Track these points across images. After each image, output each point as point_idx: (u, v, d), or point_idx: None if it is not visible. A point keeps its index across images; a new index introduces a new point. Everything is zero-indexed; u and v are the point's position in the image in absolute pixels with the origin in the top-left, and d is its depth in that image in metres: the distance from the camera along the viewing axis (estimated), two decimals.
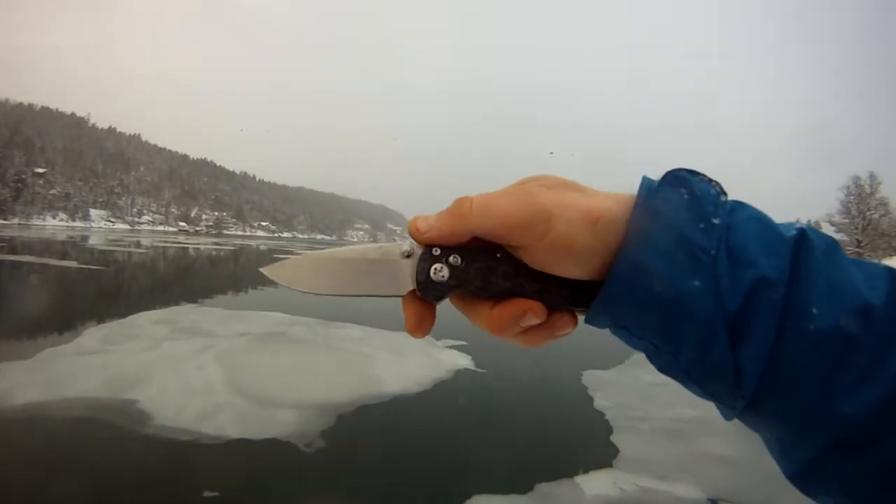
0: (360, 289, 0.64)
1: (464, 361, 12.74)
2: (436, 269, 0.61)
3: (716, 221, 0.53)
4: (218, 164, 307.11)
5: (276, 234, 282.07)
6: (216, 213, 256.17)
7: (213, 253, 68.26)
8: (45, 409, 8.48)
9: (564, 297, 0.60)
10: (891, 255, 54.95)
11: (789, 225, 0.57)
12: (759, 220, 0.56)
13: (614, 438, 8.90)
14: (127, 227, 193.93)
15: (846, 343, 0.50)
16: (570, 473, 7.48)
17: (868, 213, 60.86)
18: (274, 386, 10.40)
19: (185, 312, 18.27)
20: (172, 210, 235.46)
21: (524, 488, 7.00)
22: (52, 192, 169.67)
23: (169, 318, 16.46)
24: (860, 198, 61.71)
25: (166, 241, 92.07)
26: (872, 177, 62.10)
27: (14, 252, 44.89)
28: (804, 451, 0.53)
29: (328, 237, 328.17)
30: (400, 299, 0.64)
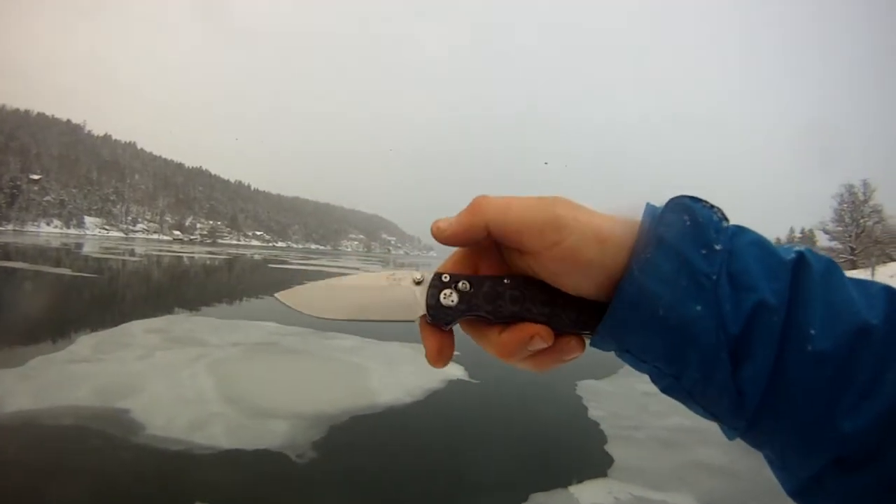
0: (372, 314, 0.66)
1: (457, 372, 12.69)
2: (445, 294, 0.63)
3: (717, 247, 0.55)
4: (213, 172, 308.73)
5: (270, 244, 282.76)
6: (211, 222, 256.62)
7: (208, 262, 68.05)
8: (36, 417, 8.40)
9: (571, 321, 0.61)
10: (885, 263, 55.14)
11: (789, 248, 0.58)
12: (760, 245, 0.57)
13: (609, 448, 8.86)
14: (121, 234, 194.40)
15: (845, 362, 0.51)
16: (565, 483, 7.44)
17: (862, 221, 61.13)
18: (266, 396, 10.33)
19: (178, 321, 18.21)
20: (167, 218, 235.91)
21: (519, 498, 6.95)
22: (47, 198, 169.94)
23: (162, 327, 16.41)
24: (854, 205, 62.01)
25: (161, 250, 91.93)
26: (866, 184, 62.47)
27: (8, 258, 44.85)
28: (805, 469, 0.54)
29: (323, 247, 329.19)
30: (411, 323, 0.66)
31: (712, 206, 0.59)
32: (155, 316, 19.05)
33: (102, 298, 25.93)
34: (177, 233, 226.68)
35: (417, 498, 7.13)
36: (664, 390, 0.60)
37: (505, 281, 0.63)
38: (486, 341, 0.64)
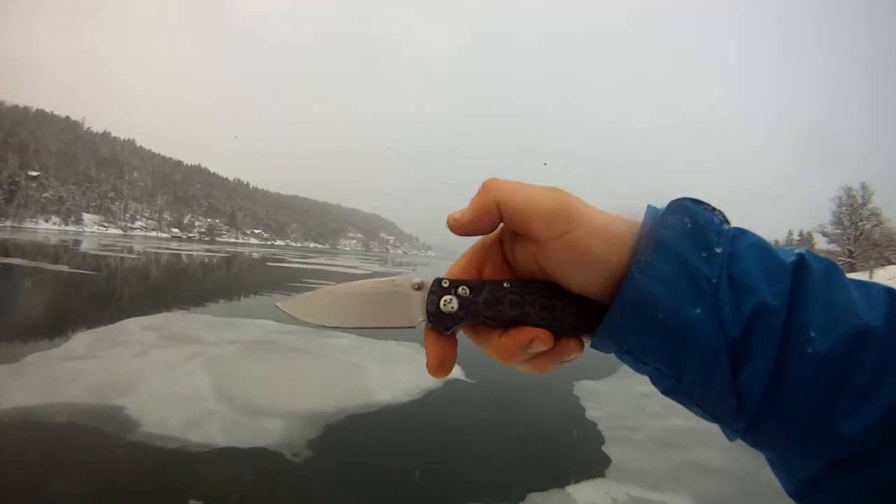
0: (373, 321, 0.66)
1: (454, 371, 12.48)
2: (445, 300, 0.63)
3: (718, 250, 0.55)
4: (212, 170, 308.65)
5: (268, 242, 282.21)
6: (209, 220, 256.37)
7: (206, 260, 68.05)
8: (32, 413, 8.41)
9: (570, 324, 0.61)
10: (883, 266, 55.13)
11: (789, 250, 0.58)
12: (760, 248, 0.57)
13: (606, 448, 8.90)
14: (120, 232, 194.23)
15: (845, 365, 0.51)
16: (562, 483, 7.47)
17: (860, 224, 61.17)
18: (262, 394, 10.33)
19: (174, 319, 18.17)
20: (165, 216, 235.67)
21: (516, 498, 6.98)
22: (46, 195, 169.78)
23: (158, 325, 16.39)
24: (852, 208, 62.07)
25: (159, 247, 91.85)
26: (864, 188, 62.53)
27: (6, 255, 44.74)
28: (805, 470, 0.54)
29: (321, 245, 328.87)
30: (411, 330, 0.66)
31: (713, 209, 0.59)
32: (152, 313, 18.99)
33: (100, 295, 25.91)
34: (175, 230, 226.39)
35: (413, 498, 7.12)
36: (665, 392, 0.60)
37: (505, 285, 0.62)
38: (486, 344, 0.64)
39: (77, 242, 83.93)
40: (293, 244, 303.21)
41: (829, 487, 0.53)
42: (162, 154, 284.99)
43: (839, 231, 62.50)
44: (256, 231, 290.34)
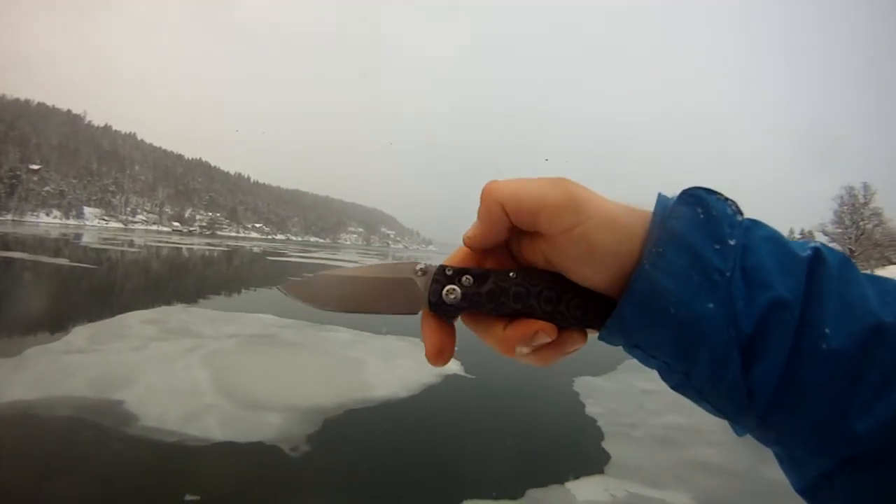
0: (374, 307, 0.65)
1: (453, 366, 12.70)
2: (448, 290, 0.61)
3: (731, 242, 0.54)
4: (213, 164, 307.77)
5: (269, 236, 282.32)
6: (210, 214, 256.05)
7: (207, 253, 68.10)
8: (31, 407, 8.41)
9: (575, 318, 0.59)
10: (884, 266, 55.04)
11: (804, 243, 0.56)
12: (774, 240, 0.56)
13: (606, 445, 8.90)
14: (121, 225, 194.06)
15: (859, 362, 0.50)
16: (562, 479, 7.48)
17: (861, 223, 61.00)
18: (261, 389, 10.33)
19: (174, 312, 18.18)
20: (166, 210, 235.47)
21: (515, 494, 6.98)
22: (47, 189, 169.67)
23: (158, 318, 16.40)
24: (854, 208, 61.88)
25: (160, 241, 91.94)
26: (866, 187, 62.33)
27: (7, 248, 44.81)
28: (815, 467, 0.54)
29: (322, 240, 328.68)
30: (412, 316, 0.64)
31: (726, 199, 0.57)
32: (152, 307, 19.01)
33: (100, 289, 25.92)
34: (176, 224, 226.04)
35: (411, 493, 7.11)
36: (674, 387, 0.58)
37: (511, 275, 0.60)
38: (488, 335, 0.63)
39: (78, 236, 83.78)
40: (294, 238, 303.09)
41: (840, 485, 0.52)
42: (163, 148, 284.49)
43: (840, 230, 62.30)
44: (257, 225, 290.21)
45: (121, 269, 39.30)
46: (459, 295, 0.61)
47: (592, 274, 0.57)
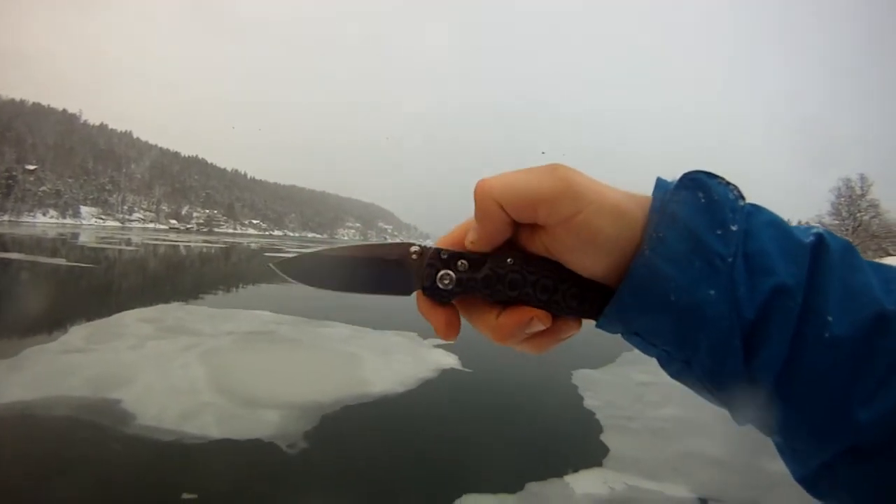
0: (366, 287, 0.65)
1: (450, 361, 12.71)
2: (442, 275, 0.61)
3: (734, 228, 0.53)
4: (209, 161, 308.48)
5: (267, 232, 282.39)
6: (207, 211, 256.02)
7: (204, 251, 68.05)
8: (29, 408, 8.38)
9: (571, 308, 0.59)
10: (881, 258, 55.00)
11: (806, 229, 0.56)
12: (777, 225, 0.55)
13: (604, 438, 8.89)
14: (118, 224, 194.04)
15: (862, 350, 0.50)
16: (560, 473, 7.47)
17: (858, 215, 61.09)
18: (258, 386, 10.31)
19: (171, 311, 18.13)
20: (163, 207, 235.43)
21: (514, 487, 6.97)
22: (43, 188, 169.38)
23: (155, 317, 16.38)
24: (851, 200, 61.97)
25: (157, 239, 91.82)
26: (863, 179, 62.40)
27: (4, 249, 44.70)
28: (816, 456, 0.53)
29: (319, 235, 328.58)
30: (398, 309, 0.61)
31: (728, 183, 0.56)
32: (150, 305, 18.99)
33: (97, 288, 25.90)
34: (173, 222, 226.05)
35: (410, 489, 7.11)
36: (674, 375, 0.58)
37: (508, 261, 0.60)
38: (480, 322, 0.62)
39: (75, 235, 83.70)
40: (291, 234, 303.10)
41: (841, 475, 0.52)
42: (159, 145, 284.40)
43: (837, 222, 62.37)
44: (254, 221, 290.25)
45: (118, 267, 39.22)
46: (454, 280, 0.61)
47: (593, 263, 0.56)
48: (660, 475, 7.70)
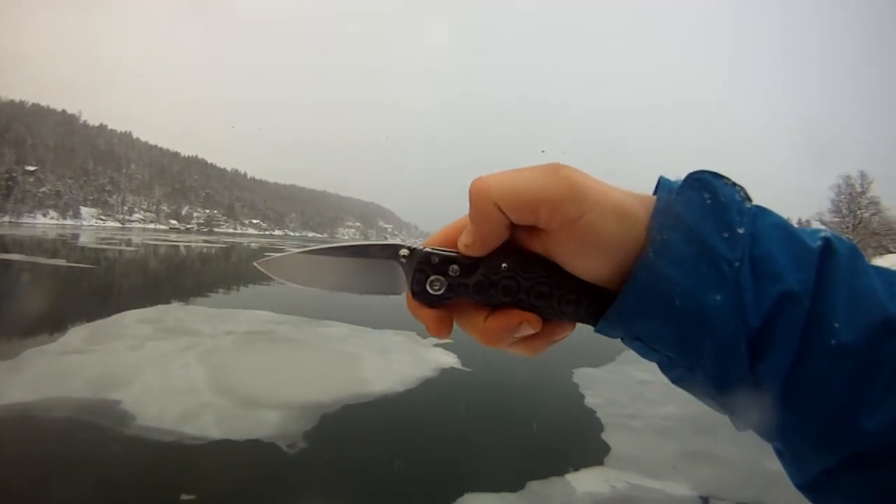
0: (355, 287, 0.63)
1: (450, 360, 12.72)
2: (432, 280, 0.59)
3: (740, 231, 0.52)
4: (209, 161, 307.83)
5: (267, 232, 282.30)
6: (207, 211, 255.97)
7: (204, 251, 68.10)
8: (29, 409, 8.37)
9: (566, 314, 0.57)
10: (882, 255, 55.04)
11: (813, 232, 0.55)
12: (783, 229, 0.54)
13: (605, 436, 8.91)
14: (118, 224, 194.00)
15: (868, 357, 0.49)
16: (562, 471, 7.47)
17: (859, 213, 61.12)
18: (258, 386, 10.30)
19: (171, 311, 18.15)
20: (163, 208, 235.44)
21: (516, 486, 6.97)
22: (43, 189, 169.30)
23: (155, 317, 16.34)
24: (851, 197, 62.00)
25: (157, 239, 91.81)
26: (863, 176, 62.45)
27: (4, 250, 44.69)
28: (818, 463, 0.53)
29: (319, 235, 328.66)
30: (397, 308, 0.61)
31: (734, 184, 0.55)
32: (150, 306, 18.95)
33: (97, 289, 25.89)
34: (173, 222, 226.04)
35: (411, 488, 7.11)
36: (675, 381, 0.57)
37: (503, 266, 0.57)
38: (468, 324, 0.60)
39: (75, 236, 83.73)
40: (291, 234, 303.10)
41: (843, 482, 0.51)
42: (159, 146, 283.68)
43: (837, 219, 62.41)
44: (255, 221, 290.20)
45: (118, 268, 39.25)
46: (445, 286, 0.58)
47: (596, 266, 0.54)
48: (661, 473, 7.70)
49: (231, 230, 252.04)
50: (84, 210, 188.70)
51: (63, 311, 17.92)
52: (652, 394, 10.87)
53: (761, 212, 0.54)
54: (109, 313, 16.56)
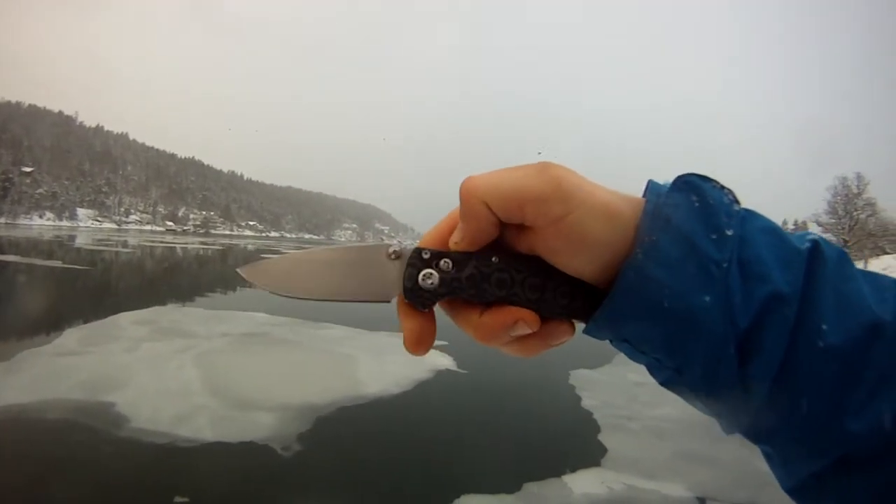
0: (342, 293, 0.61)
1: (445, 362, 12.71)
2: (425, 274, 0.58)
3: (729, 233, 0.52)
4: (206, 163, 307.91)
5: (263, 234, 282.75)
6: (204, 213, 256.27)
7: (201, 252, 68.22)
8: (24, 411, 8.38)
9: (561, 307, 0.57)
10: (877, 256, 55.30)
11: (801, 235, 0.55)
12: (772, 232, 0.54)
13: (602, 438, 8.92)
14: (114, 226, 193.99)
15: (855, 360, 0.49)
16: (559, 473, 7.49)
17: (855, 214, 61.37)
18: (253, 387, 10.31)
19: (166, 312, 18.21)
20: (160, 209, 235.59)
21: (512, 488, 6.98)
22: (39, 191, 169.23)
23: (150, 319, 16.37)
24: (847, 198, 62.26)
25: (153, 241, 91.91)
26: (860, 177, 62.77)
27: (0, 251, 44.71)
28: (806, 466, 0.52)
29: (316, 236, 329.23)
30: (393, 309, 0.62)
31: (723, 187, 0.55)
32: (146, 307, 18.92)
33: (93, 291, 25.93)
34: (170, 223, 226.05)
35: (407, 491, 7.09)
36: (663, 383, 0.57)
37: (493, 259, 0.57)
38: (464, 322, 0.59)
39: (72, 238, 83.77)
40: (288, 235, 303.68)
41: (831, 485, 0.51)
42: (156, 147, 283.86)
43: (834, 220, 62.70)
44: (251, 223, 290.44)
45: (114, 269, 39.33)
46: (437, 280, 0.57)
47: (583, 264, 0.54)
48: (658, 475, 7.72)
49: (228, 232, 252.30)
50: (80, 211, 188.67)
51: (59, 313, 17.91)
52: (648, 395, 10.88)
53: (750, 215, 0.54)
54: (105, 315, 16.56)
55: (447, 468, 7.75)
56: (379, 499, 6.82)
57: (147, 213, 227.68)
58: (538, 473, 7.39)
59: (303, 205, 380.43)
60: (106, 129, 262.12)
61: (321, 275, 0.61)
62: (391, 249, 0.60)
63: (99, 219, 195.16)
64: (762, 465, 0.55)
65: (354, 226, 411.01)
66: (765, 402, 0.50)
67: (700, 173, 0.55)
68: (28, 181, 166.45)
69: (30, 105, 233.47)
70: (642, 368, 0.57)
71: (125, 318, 16.08)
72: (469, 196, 0.54)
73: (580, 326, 0.58)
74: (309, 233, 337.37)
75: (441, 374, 11.97)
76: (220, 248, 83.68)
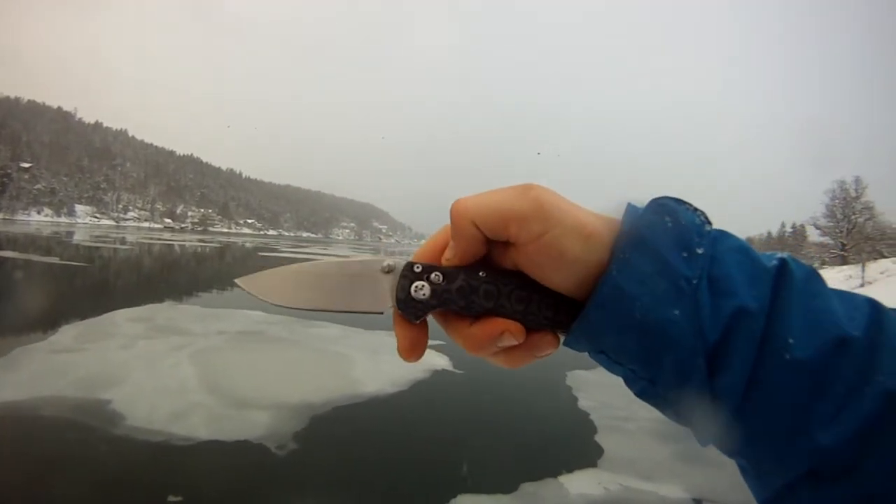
0: (337, 304, 0.65)
1: (441, 362, 12.72)
2: (416, 287, 0.61)
3: (699, 251, 0.54)
4: (204, 160, 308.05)
5: (261, 232, 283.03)
6: (202, 210, 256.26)
7: (198, 250, 68.17)
8: (18, 408, 8.35)
9: (546, 319, 0.59)
10: (875, 259, 55.18)
11: (771, 255, 0.57)
12: (742, 251, 0.56)
13: (599, 438, 8.93)
14: (112, 223, 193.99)
15: (823, 373, 0.50)
16: (555, 473, 7.51)
17: (853, 217, 61.38)
18: (248, 386, 10.30)
19: (162, 310, 18.19)
20: (158, 206, 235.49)
21: (509, 488, 6.98)
22: (38, 186, 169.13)
23: (146, 316, 16.38)
24: (845, 202, 62.25)
25: (151, 238, 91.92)
26: (858, 181, 62.77)
27: None
28: (778, 478, 0.54)
29: (314, 235, 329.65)
30: (387, 317, 0.66)
31: (695, 209, 0.58)
32: (142, 305, 18.94)
33: (90, 287, 25.90)
34: (168, 221, 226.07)
35: (402, 490, 7.09)
36: (639, 394, 0.59)
37: (480, 273, 0.61)
38: (454, 332, 0.63)
39: (69, 234, 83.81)
40: (286, 234, 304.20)
41: (803, 497, 0.52)
42: (154, 144, 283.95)
43: (832, 224, 62.76)
44: (249, 221, 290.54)
45: (112, 266, 39.26)
46: (429, 292, 0.61)
47: (561, 280, 0.57)
48: (654, 476, 7.74)
49: (226, 230, 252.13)
50: (79, 208, 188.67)
51: (55, 309, 17.84)
52: None
53: (722, 235, 0.57)
54: (101, 312, 16.51)
55: (443, 468, 7.75)
56: (374, 498, 6.81)
57: (145, 209, 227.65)
58: (535, 474, 7.39)
59: (301, 203, 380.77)
60: (105, 125, 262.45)
61: (318, 286, 0.64)
62: (385, 263, 0.63)
63: (97, 215, 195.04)
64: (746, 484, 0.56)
65: (352, 224, 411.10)
66: (736, 414, 0.52)
67: (674, 196, 0.58)
68: (26, 177, 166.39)
69: (29, 101, 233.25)
70: None
71: (121, 316, 16.07)
72: (459, 216, 0.59)
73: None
74: (307, 231, 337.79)
75: (437, 374, 11.97)
76: (218, 245, 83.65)
